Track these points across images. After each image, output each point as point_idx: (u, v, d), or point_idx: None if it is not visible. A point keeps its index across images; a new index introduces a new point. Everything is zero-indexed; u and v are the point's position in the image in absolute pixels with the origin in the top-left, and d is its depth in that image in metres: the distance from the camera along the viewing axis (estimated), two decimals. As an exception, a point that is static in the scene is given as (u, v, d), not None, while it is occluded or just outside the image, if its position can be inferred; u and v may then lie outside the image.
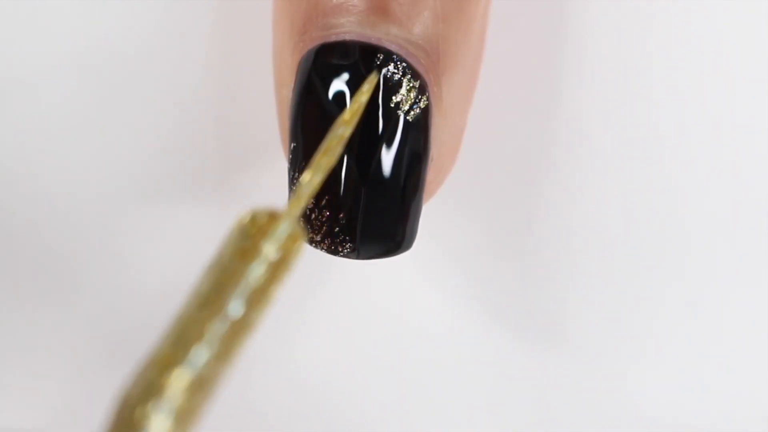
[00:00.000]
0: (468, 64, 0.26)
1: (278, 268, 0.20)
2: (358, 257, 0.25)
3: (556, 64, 0.31)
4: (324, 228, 0.25)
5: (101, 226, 0.31)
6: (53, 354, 0.31)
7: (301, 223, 0.23)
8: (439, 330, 0.32)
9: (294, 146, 0.25)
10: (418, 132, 0.25)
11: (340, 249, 0.25)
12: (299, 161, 0.25)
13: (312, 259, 0.31)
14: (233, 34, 0.30)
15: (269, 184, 0.31)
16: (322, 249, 0.25)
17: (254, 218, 0.21)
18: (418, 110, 0.25)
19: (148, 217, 0.31)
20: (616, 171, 0.31)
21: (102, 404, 0.31)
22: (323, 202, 0.25)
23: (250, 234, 0.20)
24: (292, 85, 0.26)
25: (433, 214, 0.29)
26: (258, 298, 0.20)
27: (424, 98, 0.25)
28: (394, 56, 0.25)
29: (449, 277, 0.31)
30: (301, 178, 0.23)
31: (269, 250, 0.20)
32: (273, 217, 0.21)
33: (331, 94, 0.25)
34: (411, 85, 0.25)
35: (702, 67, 0.31)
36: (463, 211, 0.31)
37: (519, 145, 0.31)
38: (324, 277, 0.32)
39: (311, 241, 0.25)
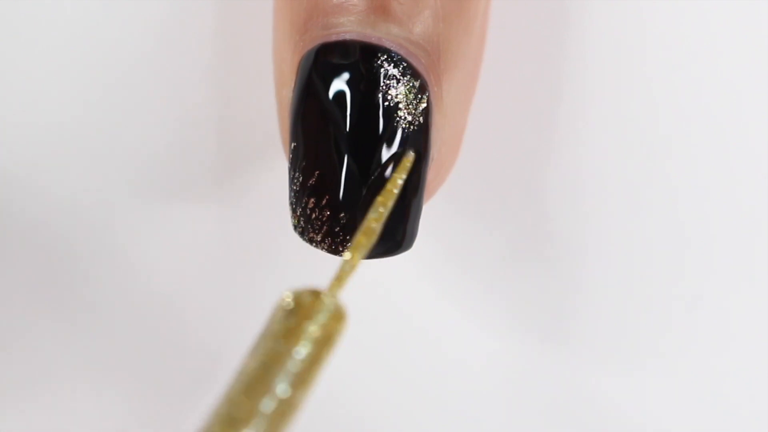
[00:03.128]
0: (468, 64, 0.26)
1: (322, 348, 0.21)
2: (358, 257, 0.25)
3: (557, 63, 0.31)
4: (325, 228, 0.25)
5: (101, 224, 0.31)
6: (53, 353, 0.31)
7: (342, 303, 0.23)
8: (439, 330, 0.32)
9: (294, 146, 0.25)
10: (419, 131, 0.25)
11: (341, 249, 0.25)
12: (299, 161, 0.25)
13: (311, 259, 0.31)
14: (234, 34, 0.30)
15: (269, 183, 0.31)
16: (322, 249, 0.25)
17: (297, 298, 0.21)
18: (418, 109, 0.25)
19: (149, 216, 0.31)
20: (616, 170, 0.31)
21: (100, 405, 0.31)
22: (324, 202, 0.25)
23: (294, 314, 0.21)
24: (292, 84, 0.26)
25: (433, 214, 0.29)
26: (303, 378, 0.20)
27: (425, 98, 0.25)
28: (395, 55, 0.25)
29: (449, 277, 0.31)
30: (343, 257, 0.23)
31: (313, 330, 0.21)
32: (316, 296, 0.21)
33: (331, 94, 0.25)
34: (411, 84, 0.25)
35: (703, 67, 0.31)
36: (464, 210, 0.31)
37: (519, 144, 0.31)
38: (323, 277, 0.32)
39: (311, 241, 0.25)
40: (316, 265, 0.31)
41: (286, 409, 0.20)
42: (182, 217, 0.31)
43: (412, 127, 0.25)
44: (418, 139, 0.25)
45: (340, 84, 0.25)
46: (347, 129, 0.25)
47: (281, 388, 0.20)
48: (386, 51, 0.25)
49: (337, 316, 0.21)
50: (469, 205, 0.31)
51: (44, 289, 0.31)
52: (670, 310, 0.31)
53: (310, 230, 0.25)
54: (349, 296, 0.32)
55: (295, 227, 0.26)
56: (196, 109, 0.30)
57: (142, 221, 0.31)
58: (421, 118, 0.25)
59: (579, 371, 0.31)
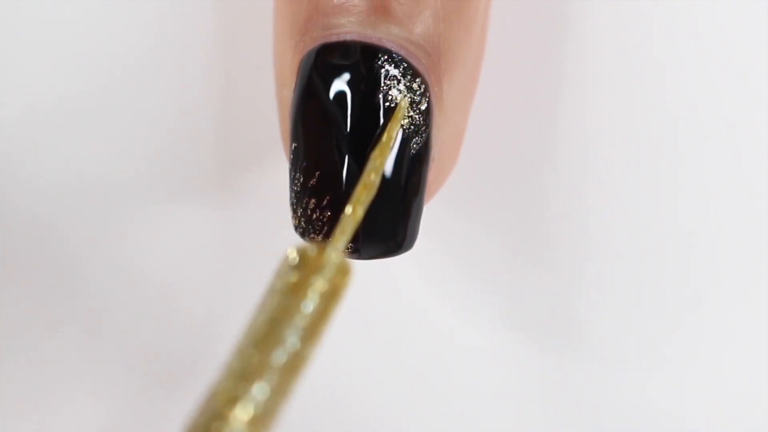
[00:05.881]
0: (469, 64, 0.26)
1: (329, 301, 0.21)
2: (359, 257, 0.25)
3: (557, 63, 0.31)
4: (326, 228, 0.25)
5: (102, 225, 0.31)
6: (52, 353, 0.31)
7: (347, 257, 0.23)
8: (439, 331, 0.32)
9: (295, 146, 0.25)
10: (419, 132, 0.25)
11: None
12: (300, 161, 0.25)
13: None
14: (233, 34, 0.30)
15: (270, 184, 0.31)
16: (323, 249, 0.25)
17: (302, 254, 0.21)
18: (418, 110, 0.25)
19: (149, 216, 0.31)
20: (617, 171, 0.31)
21: (99, 405, 0.31)
22: (325, 202, 0.25)
23: (299, 269, 0.21)
24: (293, 85, 0.26)
25: (434, 215, 0.29)
26: (312, 332, 0.21)
27: (425, 98, 0.25)
28: (395, 56, 0.25)
29: (449, 278, 0.31)
30: (344, 211, 0.23)
31: (320, 284, 0.21)
32: (320, 251, 0.21)
33: (332, 95, 0.25)
34: (412, 85, 0.25)
35: (705, 67, 0.31)
36: (464, 211, 0.31)
37: (520, 145, 0.31)
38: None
39: (313, 242, 0.25)
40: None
41: (296, 362, 0.20)
42: (182, 217, 0.31)
43: (412, 127, 0.25)
44: (419, 139, 0.25)
45: (340, 84, 0.25)
46: (348, 129, 0.25)
47: (291, 341, 0.20)
48: (387, 51, 0.25)
49: (343, 270, 0.21)
50: (470, 205, 0.31)
51: (43, 289, 0.31)
52: (672, 310, 0.31)
53: (311, 231, 0.25)
54: (349, 297, 0.32)
55: (296, 228, 0.26)
56: (196, 110, 0.30)
57: (142, 222, 0.31)
58: (421, 119, 0.25)
59: (580, 371, 0.31)
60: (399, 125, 0.25)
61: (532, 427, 0.32)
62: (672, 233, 0.31)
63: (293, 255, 0.21)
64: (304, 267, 0.21)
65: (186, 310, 0.32)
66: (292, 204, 0.26)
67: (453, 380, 0.32)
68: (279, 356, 0.20)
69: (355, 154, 0.25)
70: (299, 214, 0.25)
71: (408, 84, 0.25)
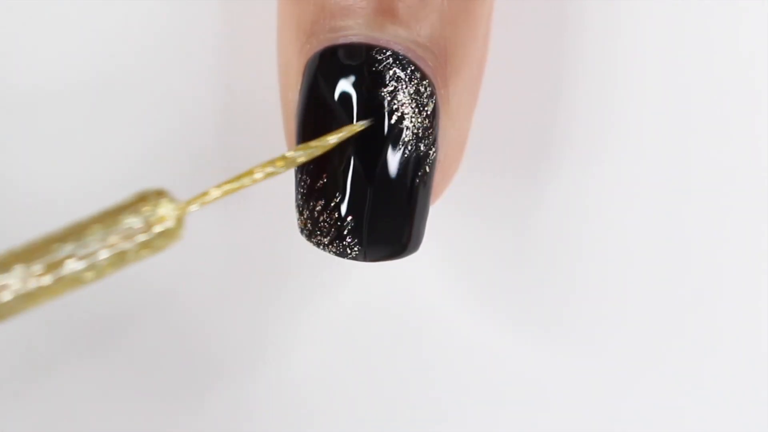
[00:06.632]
0: (474, 66, 0.27)
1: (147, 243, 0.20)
2: (365, 259, 0.25)
3: (559, 64, 0.31)
4: (333, 230, 0.25)
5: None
6: (53, 355, 0.31)
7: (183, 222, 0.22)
8: (440, 331, 0.32)
9: (301, 149, 0.25)
10: (425, 134, 0.25)
11: (349, 251, 0.25)
12: (306, 164, 0.25)
13: (310, 259, 0.31)
14: (236, 35, 0.30)
15: (274, 186, 0.31)
16: (330, 252, 0.25)
17: (152, 196, 0.21)
18: (425, 112, 0.25)
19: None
20: (620, 172, 0.31)
21: (101, 407, 0.31)
22: (332, 205, 0.25)
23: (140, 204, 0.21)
24: (298, 87, 0.25)
25: (436, 215, 0.29)
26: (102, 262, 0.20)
27: (431, 101, 0.25)
28: (402, 58, 0.25)
29: (451, 278, 0.31)
30: (252, 172, 0.23)
31: (135, 222, 0.20)
32: (168, 202, 0.21)
33: (337, 96, 0.25)
34: (418, 87, 0.25)
35: (708, 68, 0.31)
36: (466, 212, 0.31)
37: (522, 145, 0.31)
38: (323, 278, 0.32)
39: (319, 244, 0.25)
40: (314, 266, 0.31)
41: (70, 277, 0.20)
42: (186, 219, 0.31)
43: (418, 130, 0.25)
44: (425, 142, 0.25)
45: (346, 86, 0.25)
46: None
47: (75, 263, 0.20)
48: (394, 54, 0.25)
49: (169, 233, 0.21)
50: (472, 206, 0.31)
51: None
52: (675, 310, 0.31)
53: (318, 233, 0.25)
54: (349, 297, 0.32)
55: (302, 230, 0.25)
56: (201, 113, 0.30)
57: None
58: (427, 121, 0.25)
59: (582, 372, 0.31)
60: (341, 136, 0.24)
61: (536, 426, 0.32)
62: (674, 233, 0.31)
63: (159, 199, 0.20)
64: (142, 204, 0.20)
65: (186, 309, 0.31)
66: (298, 206, 0.25)
67: (452, 380, 0.32)
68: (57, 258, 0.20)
69: (361, 156, 0.25)
70: (305, 217, 0.25)
71: (415, 86, 0.25)
